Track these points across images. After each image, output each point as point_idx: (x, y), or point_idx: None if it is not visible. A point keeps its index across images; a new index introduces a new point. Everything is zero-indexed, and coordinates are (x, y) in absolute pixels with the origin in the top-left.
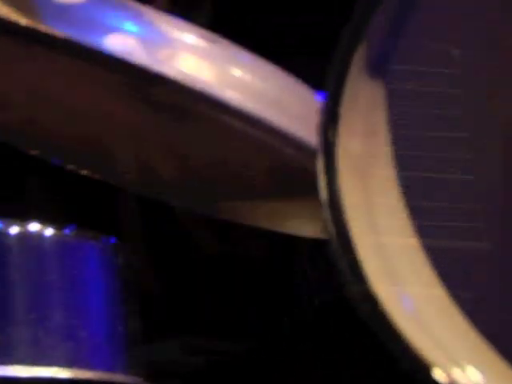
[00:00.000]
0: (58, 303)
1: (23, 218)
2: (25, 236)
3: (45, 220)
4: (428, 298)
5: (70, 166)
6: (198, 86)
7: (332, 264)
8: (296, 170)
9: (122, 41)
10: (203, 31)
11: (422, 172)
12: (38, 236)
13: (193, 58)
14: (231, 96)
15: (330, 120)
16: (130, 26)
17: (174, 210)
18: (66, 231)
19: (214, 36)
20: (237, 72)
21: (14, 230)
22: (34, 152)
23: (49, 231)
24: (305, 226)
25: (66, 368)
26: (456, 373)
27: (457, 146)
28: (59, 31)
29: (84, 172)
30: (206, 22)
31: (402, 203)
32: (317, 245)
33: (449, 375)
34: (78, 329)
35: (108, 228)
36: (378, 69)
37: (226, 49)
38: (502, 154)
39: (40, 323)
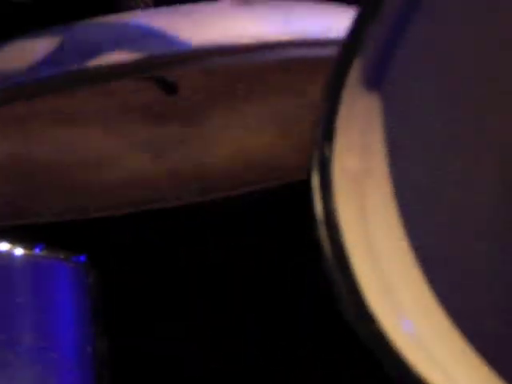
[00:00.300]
0: (28, 324)
1: None
2: None
3: (14, 239)
4: (425, 314)
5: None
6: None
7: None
8: None
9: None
10: None
11: (422, 172)
12: (8, 255)
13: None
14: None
15: (325, 136)
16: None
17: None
18: (36, 250)
19: None
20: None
21: None
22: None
23: (18, 251)
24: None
25: None
26: None
27: (457, 146)
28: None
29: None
30: None
31: (400, 220)
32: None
33: None
34: (48, 351)
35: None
36: (374, 79)
37: None
38: (502, 153)
39: (9, 345)
